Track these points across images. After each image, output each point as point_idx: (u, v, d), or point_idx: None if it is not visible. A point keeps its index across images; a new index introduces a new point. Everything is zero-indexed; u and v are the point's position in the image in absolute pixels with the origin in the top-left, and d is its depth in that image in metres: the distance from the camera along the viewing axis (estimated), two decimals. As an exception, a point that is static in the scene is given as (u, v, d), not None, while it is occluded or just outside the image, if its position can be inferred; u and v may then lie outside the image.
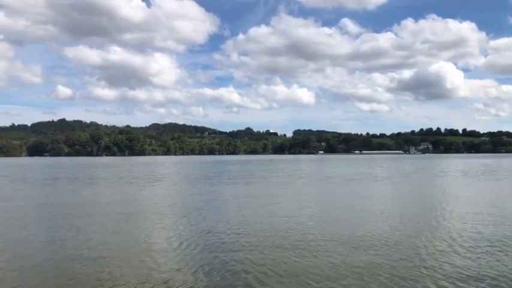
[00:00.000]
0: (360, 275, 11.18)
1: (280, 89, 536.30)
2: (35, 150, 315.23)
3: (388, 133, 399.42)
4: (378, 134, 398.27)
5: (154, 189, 38.02)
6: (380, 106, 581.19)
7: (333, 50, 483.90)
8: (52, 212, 22.83)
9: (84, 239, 15.77)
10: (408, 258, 12.70)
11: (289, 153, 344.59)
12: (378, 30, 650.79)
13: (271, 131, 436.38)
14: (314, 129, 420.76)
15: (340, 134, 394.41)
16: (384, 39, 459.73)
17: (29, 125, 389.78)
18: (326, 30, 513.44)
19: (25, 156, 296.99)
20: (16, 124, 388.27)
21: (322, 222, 19.17)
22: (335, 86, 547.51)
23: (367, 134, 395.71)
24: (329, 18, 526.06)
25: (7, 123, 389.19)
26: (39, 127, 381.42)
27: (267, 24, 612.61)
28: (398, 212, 21.93)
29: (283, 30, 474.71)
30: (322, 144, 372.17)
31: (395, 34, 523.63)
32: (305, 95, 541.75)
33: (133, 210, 23.37)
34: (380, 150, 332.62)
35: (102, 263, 12.61)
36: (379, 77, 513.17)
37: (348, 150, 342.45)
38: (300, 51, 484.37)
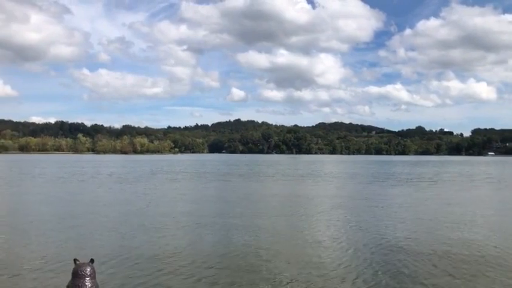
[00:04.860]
0: None
1: (454, 85, 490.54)
2: (215, 148, 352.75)
3: None
4: None
5: (318, 186, 37.92)
6: None
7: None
8: (222, 205, 24.62)
9: (249, 225, 16.50)
10: None
11: (466, 154, 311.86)
12: None
13: (445, 130, 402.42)
14: (497, 128, 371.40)
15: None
16: None
17: (210, 125, 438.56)
18: (508, 17, 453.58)
19: (206, 152, 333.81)
20: (199, 124, 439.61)
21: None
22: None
23: None
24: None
25: (192, 123, 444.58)
26: (218, 127, 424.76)
27: (437, 16, 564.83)
28: None
29: (455, 21, 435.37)
30: (507, 144, 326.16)
31: None
32: (484, 90, 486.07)
33: (299, 205, 23.66)
34: None
35: (268, 247, 13.47)
36: None
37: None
38: (477, 42, 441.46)
